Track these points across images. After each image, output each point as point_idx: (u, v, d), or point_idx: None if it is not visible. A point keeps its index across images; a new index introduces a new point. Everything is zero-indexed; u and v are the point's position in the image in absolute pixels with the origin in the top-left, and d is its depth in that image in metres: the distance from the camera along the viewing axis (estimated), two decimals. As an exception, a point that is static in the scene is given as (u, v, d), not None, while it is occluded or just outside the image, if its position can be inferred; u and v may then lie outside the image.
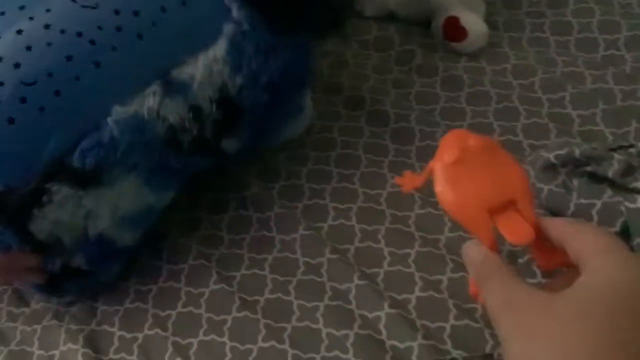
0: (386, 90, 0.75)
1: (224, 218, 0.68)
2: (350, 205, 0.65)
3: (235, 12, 0.55)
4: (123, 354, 0.60)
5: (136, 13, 0.53)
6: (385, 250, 0.61)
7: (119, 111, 0.52)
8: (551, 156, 0.61)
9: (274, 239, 0.65)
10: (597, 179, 0.59)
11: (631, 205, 0.55)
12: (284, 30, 0.57)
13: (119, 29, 0.52)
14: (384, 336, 0.56)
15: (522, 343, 0.38)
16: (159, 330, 0.60)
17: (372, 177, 0.67)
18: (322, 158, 0.70)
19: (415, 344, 0.54)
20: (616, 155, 0.58)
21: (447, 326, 0.55)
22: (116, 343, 0.61)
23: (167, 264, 0.65)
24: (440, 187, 0.50)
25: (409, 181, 0.54)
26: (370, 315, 0.57)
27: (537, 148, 0.65)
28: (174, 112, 0.54)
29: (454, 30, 0.75)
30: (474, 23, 0.74)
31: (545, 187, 0.60)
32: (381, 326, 0.56)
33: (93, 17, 0.52)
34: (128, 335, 0.61)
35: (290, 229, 0.65)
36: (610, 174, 0.58)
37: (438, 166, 0.51)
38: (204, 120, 0.56)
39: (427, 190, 0.52)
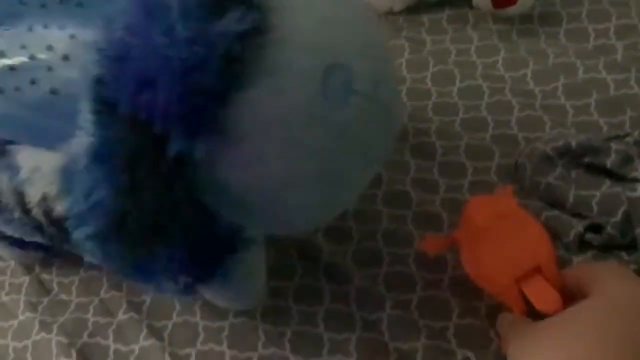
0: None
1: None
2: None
3: None
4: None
5: None
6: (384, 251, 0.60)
7: None
8: (547, 148, 0.60)
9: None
10: (596, 169, 0.58)
11: (632, 195, 0.54)
12: None
13: None
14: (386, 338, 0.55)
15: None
16: (154, 341, 0.59)
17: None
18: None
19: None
20: (613, 146, 0.58)
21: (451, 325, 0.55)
22: (112, 356, 0.59)
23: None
24: (466, 260, 0.50)
25: (432, 245, 0.53)
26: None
27: (532, 141, 0.64)
28: None
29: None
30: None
31: (544, 180, 0.59)
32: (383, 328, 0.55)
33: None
34: (124, 349, 0.60)
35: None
36: (608, 165, 0.57)
37: (463, 236, 0.50)
38: None
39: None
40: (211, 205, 0.41)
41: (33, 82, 0.44)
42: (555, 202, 0.58)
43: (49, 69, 0.44)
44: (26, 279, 0.66)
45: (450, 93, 0.71)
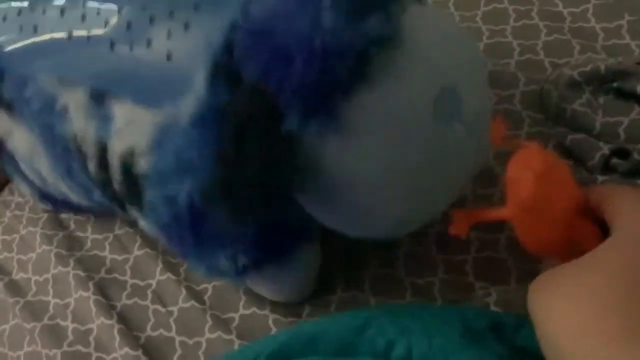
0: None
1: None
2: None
3: None
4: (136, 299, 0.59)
5: None
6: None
7: None
8: (575, 74, 0.57)
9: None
10: (625, 95, 0.55)
11: (662, 121, 0.51)
12: None
13: None
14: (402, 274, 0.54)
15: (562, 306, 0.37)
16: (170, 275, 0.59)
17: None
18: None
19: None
20: (645, 69, 0.55)
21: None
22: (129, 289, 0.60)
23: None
24: (524, 238, 0.47)
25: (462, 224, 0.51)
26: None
27: (559, 66, 0.61)
28: None
29: None
30: None
31: (569, 107, 0.56)
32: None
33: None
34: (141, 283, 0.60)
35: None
36: (638, 90, 0.54)
37: (514, 214, 0.48)
38: None
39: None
40: (301, 192, 0.43)
41: (149, 43, 0.44)
42: (580, 129, 0.55)
43: (169, 34, 0.43)
44: (44, 215, 0.66)
45: (474, 17, 0.68)
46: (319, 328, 0.47)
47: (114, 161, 0.46)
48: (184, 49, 0.43)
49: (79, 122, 0.47)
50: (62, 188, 0.55)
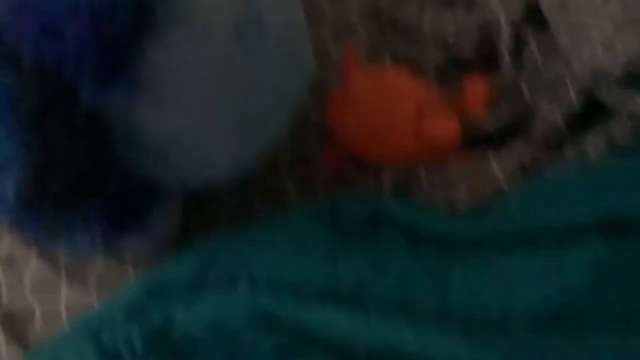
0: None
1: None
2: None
3: None
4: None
5: None
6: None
7: None
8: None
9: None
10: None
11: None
12: None
13: None
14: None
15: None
16: None
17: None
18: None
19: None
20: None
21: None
22: None
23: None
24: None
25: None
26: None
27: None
28: None
29: None
30: None
31: (400, 16, 0.57)
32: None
33: None
34: None
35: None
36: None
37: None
38: None
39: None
40: (127, 157, 0.40)
41: None
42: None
43: None
44: None
45: None
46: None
47: None
48: None
49: None
50: None
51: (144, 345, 0.42)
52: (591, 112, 0.50)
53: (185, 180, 0.43)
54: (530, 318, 0.40)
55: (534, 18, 0.54)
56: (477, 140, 0.50)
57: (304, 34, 0.43)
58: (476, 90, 0.51)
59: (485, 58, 0.55)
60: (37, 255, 0.54)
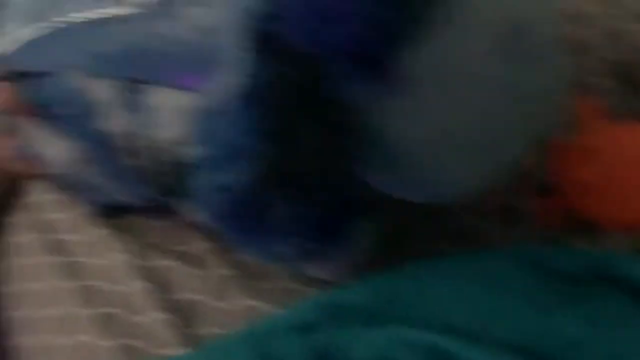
0: None
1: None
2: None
3: None
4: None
5: None
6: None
7: None
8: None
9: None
10: None
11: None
12: None
13: None
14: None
15: None
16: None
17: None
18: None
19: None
20: None
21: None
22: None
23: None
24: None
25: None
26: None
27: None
28: None
29: None
30: None
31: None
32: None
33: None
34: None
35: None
36: None
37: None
38: None
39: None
40: (360, 161, 0.39)
41: (184, 18, 0.42)
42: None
43: (205, 8, 0.41)
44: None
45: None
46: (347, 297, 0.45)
47: (160, 153, 0.44)
48: (223, 23, 0.39)
49: (115, 118, 0.45)
50: (112, 190, 0.52)
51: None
52: None
53: (406, 193, 0.41)
54: None
55: None
56: None
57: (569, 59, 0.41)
58: None
59: None
60: (222, 255, 0.55)
